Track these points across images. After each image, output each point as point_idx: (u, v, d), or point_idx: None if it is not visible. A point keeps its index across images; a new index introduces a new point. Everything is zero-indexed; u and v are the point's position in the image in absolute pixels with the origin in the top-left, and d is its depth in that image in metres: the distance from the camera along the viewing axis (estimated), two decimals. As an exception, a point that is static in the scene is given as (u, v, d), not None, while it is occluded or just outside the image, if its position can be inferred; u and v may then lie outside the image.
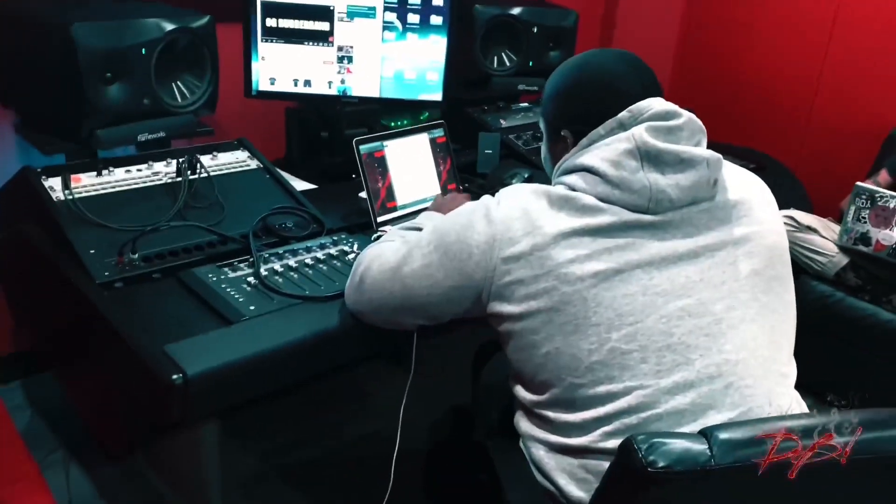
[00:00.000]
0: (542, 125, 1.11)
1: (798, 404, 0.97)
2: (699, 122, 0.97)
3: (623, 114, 0.93)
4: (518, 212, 0.91)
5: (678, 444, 0.68)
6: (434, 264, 0.96)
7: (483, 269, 0.91)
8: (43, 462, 1.58)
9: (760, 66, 2.87)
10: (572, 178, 0.93)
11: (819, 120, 2.77)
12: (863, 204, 1.99)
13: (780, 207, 2.15)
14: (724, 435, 0.68)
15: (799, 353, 1.80)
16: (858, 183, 2.01)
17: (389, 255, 1.02)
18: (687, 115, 0.96)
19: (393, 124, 1.87)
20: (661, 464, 0.65)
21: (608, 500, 0.80)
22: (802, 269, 2.14)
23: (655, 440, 0.67)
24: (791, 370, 1.01)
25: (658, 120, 0.93)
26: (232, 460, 1.37)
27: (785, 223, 2.04)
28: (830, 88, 2.71)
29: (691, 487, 0.70)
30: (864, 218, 2.01)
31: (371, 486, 1.25)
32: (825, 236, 2.12)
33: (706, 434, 0.69)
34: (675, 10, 3.11)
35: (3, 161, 1.51)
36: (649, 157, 0.90)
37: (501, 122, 2.14)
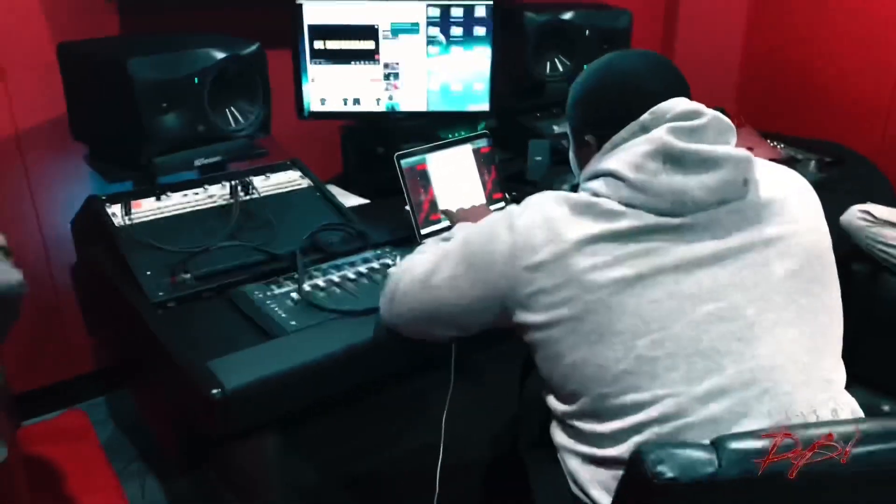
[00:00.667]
0: (568, 131, 1.11)
1: (850, 411, 0.93)
2: (726, 120, 0.95)
3: (645, 116, 0.92)
4: (540, 220, 0.91)
5: (686, 455, 0.68)
6: (460, 275, 0.97)
7: (506, 279, 0.91)
8: (122, 473, 1.70)
9: (834, 55, 2.76)
10: (596, 184, 0.93)
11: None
12: None
13: (861, 201, 2.07)
14: (733, 445, 0.68)
15: (879, 354, 1.69)
16: None
17: (419, 268, 1.03)
18: (712, 114, 0.94)
19: (450, 136, 1.89)
20: (667, 475, 0.65)
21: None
22: (882, 267, 2.02)
23: (664, 450, 0.68)
24: (838, 376, 0.97)
25: (681, 120, 0.91)
26: (294, 470, 1.42)
27: (860, 218, 1.95)
28: None
29: (700, 500, 0.70)
30: None
31: (420, 499, 1.27)
32: None
33: (716, 444, 0.69)
34: (740, 1, 3.01)
35: (78, 191, 1.62)
36: (671, 159, 0.88)
37: (554, 128, 2.12)
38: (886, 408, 1.97)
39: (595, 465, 0.93)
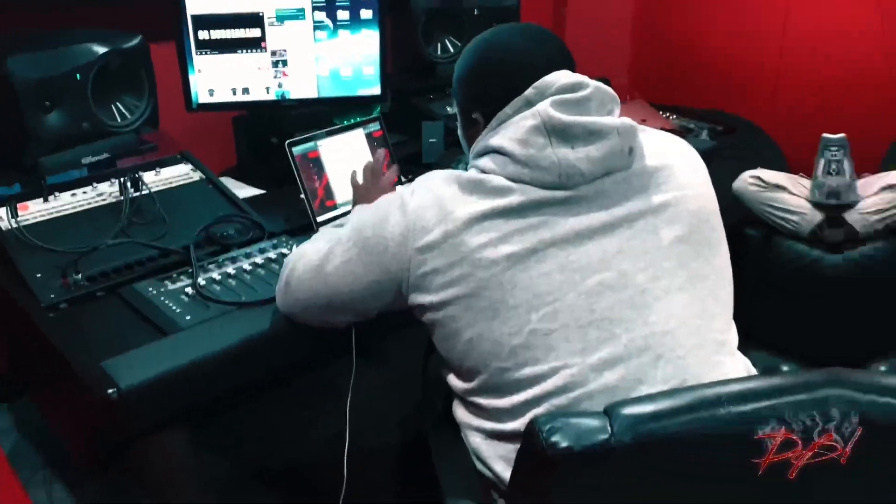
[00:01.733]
0: (456, 110, 1.11)
1: (745, 370, 0.97)
2: (610, 91, 0.97)
3: (529, 91, 0.93)
4: (430, 200, 0.92)
5: (579, 423, 0.68)
6: (353, 260, 0.98)
7: (399, 261, 0.92)
8: (28, 482, 1.65)
9: (721, 27, 2.86)
10: (483, 161, 0.94)
11: (788, 76, 2.75)
12: (832, 156, 2.00)
13: (753, 168, 2.16)
14: (626, 411, 0.68)
15: (776, 316, 1.83)
16: (825, 135, 2.01)
17: (312, 255, 1.04)
18: (594, 85, 0.96)
19: (343, 122, 1.91)
20: (561, 444, 0.65)
21: (521, 485, 0.80)
22: (775, 230, 2.13)
23: (557, 420, 0.67)
24: (730, 337, 1.00)
25: (564, 93, 0.92)
26: (205, 465, 1.43)
27: (751, 183, 2.04)
28: (796, 42, 2.68)
29: (596, 467, 0.69)
30: (833, 170, 2.00)
31: (330, 487, 1.30)
32: (796, 193, 2.10)
33: (609, 411, 0.69)
34: None
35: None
36: (556, 132, 0.90)
37: (447, 109, 2.17)
38: (785, 368, 2.09)
39: (497, 440, 0.94)
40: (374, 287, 0.97)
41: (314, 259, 1.03)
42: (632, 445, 0.65)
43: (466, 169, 1.01)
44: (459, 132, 1.13)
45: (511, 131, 0.91)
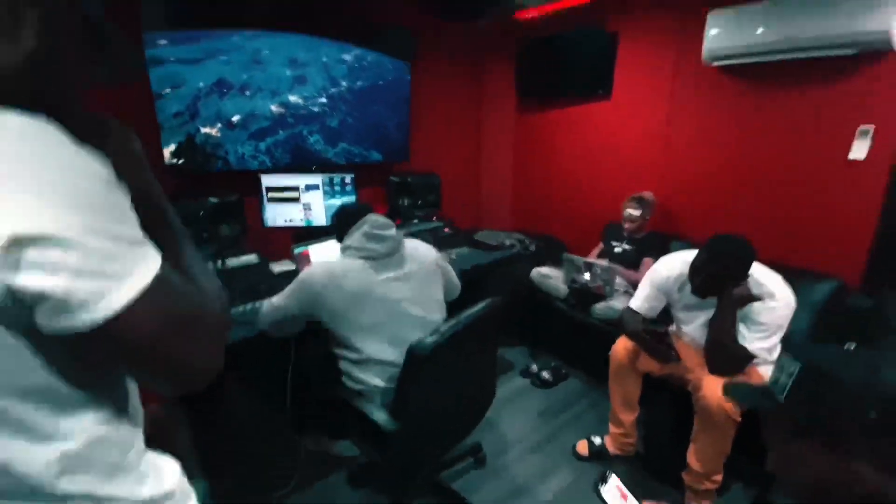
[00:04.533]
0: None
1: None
2: (390, 220, 1.48)
3: (361, 221, 1.47)
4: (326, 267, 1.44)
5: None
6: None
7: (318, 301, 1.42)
8: None
9: (556, 184, 3.45)
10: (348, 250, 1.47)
11: (580, 213, 3.26)
12: (570, 265, 2.60)
13: (550, 261, 2.79)
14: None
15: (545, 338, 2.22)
16: (564, 254, 2.61)
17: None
18: (386, 219, 1.49)
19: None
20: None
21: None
22: (550, 296, 2.69)
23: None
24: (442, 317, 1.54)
25: (374, 222, 1.47)
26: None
27: (534, 276, 2.69)
28: (584, 199, 3.19)
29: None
30: (572, 272, 2.54)
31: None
32: (557, 279, 2.68)
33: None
34: (509, 158, 3.73)
35: None
36: (371, 237, 1.44)
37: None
38: (535, 367, 2.63)
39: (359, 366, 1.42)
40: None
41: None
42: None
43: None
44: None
45: (356, 236, 1.45)
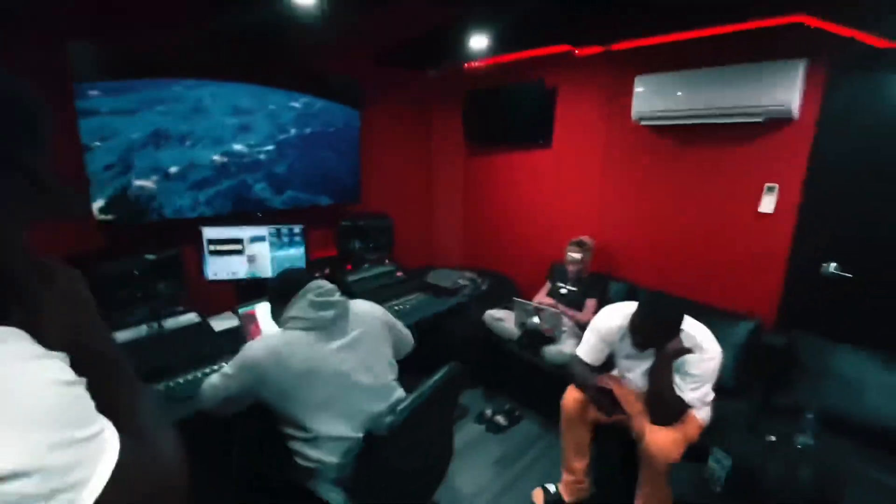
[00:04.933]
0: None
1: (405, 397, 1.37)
2: (335, 286, 1.42)
3: (302, 290, 1.39)
4: (266, 344, 1.33)
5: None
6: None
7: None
8: None
9: (504, 225, 3.53)
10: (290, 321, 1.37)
11: (527, 252, 3.35)
12: (520, 309, 2.65)
13: (498, 303, 2.82)
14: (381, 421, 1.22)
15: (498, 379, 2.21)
16: (515, 298, 2.64)
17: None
18: (329, 285, 1.42)
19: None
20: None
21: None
22: (502, 339, 2.71)
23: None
24: (394, 380, 1.48)
25: (317, 289, 1.40)
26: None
27: (487, 319, 2.69)
28: (530, 239, 3.32)
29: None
30: (522, 315, 2.57)
31: None
32: (509, 322, 2.70)
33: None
34: (459, 198, 3.80)
35: None
36: (315, 305, 1.36)
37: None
38: (489, 411, 2.62)
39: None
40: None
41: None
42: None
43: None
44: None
45: (299, 308, 1.37)
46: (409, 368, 1.68)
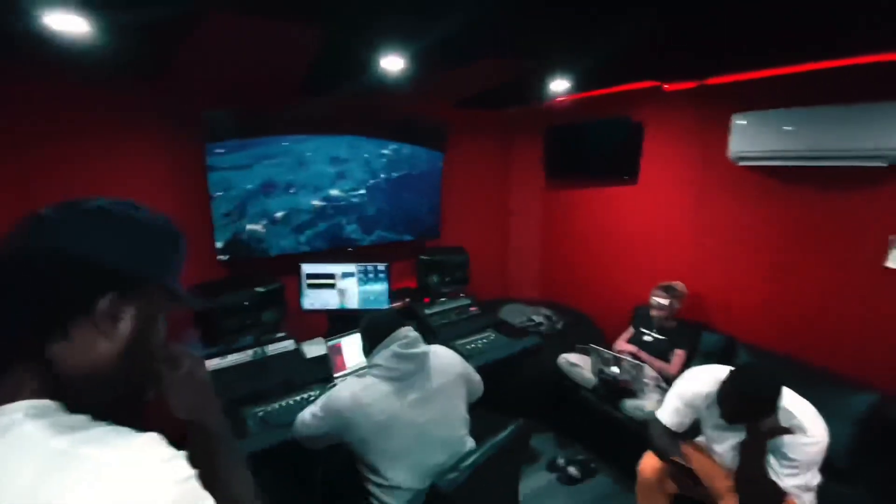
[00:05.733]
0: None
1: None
2: (419, 335, 1.46)
3: (389, 338, 1.44)
4: (354, 389, 1.40)
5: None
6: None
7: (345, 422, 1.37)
8: None
9: (584, 261, 3.40)
10: (374, 369, 1.43)
11: (608, 291, 3.20)
12: (597, 357, 2.53)
13: (579, 344, 2.71)
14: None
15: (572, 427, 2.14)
16: (591, 345, 2.51)
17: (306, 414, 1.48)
18: (415, 334, 1.45)
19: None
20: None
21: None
22: (577, 385, 2.61)
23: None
24: (467, 435, 1.50)
25: (403, 339, 1.43)
26: None
27: (562, 363, 2.61)
28: (612, 278, 3.18)
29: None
30: (599, 363, 2.45)
31: None
32: (585, 369, 2.58)
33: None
34: (537, 232, 3.75)
35: None
36: (400, 357, 1.41)
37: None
38: (561, 460, 2.50)
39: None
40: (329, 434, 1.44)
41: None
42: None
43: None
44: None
45: (382, 355, 1.43)
46: (479, 407, 1.68)
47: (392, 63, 1.95)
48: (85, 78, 1.97)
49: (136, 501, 0.46)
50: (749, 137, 2.30)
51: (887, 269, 2.03)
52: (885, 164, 1.92)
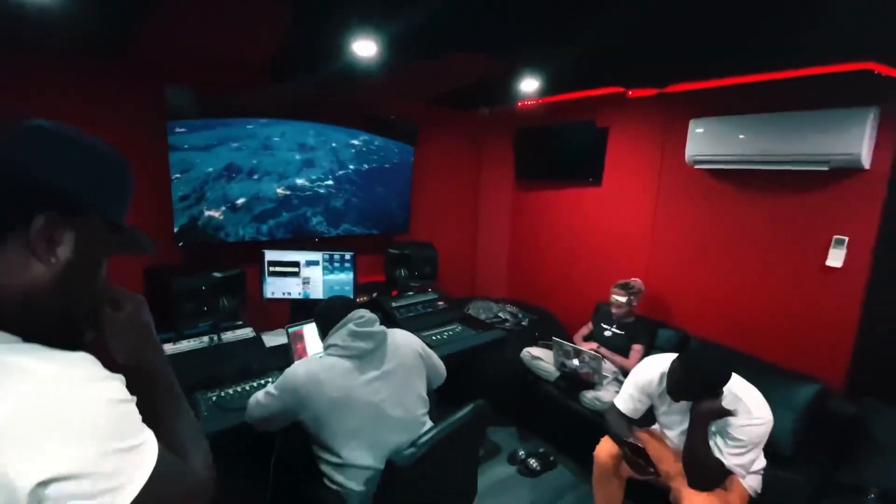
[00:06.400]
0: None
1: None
2: (375, 315, 1.45)
3: (345, 318, 1.44)
4: (307, 368, 1.37)
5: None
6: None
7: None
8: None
9: (550, 260, 3.43)
10: (330, 348, 1.41)
11: (572, 289, 3.25)
12: (559, 350, 2.56)
13: (538, 340, 2.74)
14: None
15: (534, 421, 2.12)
16: (554, 338, 2.55)
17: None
18: (371, 315, 1.44)
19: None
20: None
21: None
22: (539, 378, 2.63)
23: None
24: (425, 414, 1.48)
25: (359, 318, 1.43)
26: None
27: (525, 356, 2.62)
28: (576, 277, 3.23)
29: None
30: (561, 356, 2.49)
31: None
32: (548, 362, 2.62)
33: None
34: (505, 231, 3.77)
35: None
36: (354, 335, 1.40)
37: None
38: (522, 452, 2.51)
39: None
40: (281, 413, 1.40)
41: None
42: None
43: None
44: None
45: (338, 335, 1.41)
46: (442, 400, 1.67)
47: (363, 48, 1.94)
48: (42, 51, 1.87)
49: (68, 418, 0.44)
50: (704, 142, 2.40)
51: (828, 267, 2.14)
52: (826, 168, 2.04)
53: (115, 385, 0.50)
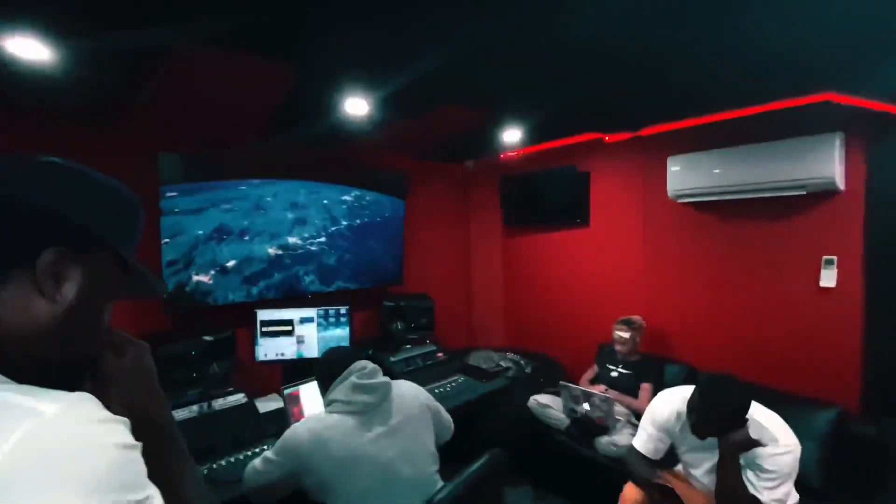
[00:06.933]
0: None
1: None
2: (378, 366, 1.37)
3: (346, 371, 1.36)
4: (309, 428, 1.28)
5: None
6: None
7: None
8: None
9: (546, 304, 3.40)
10: (332, 405, 1.32)
11: (572, 332, 3.19)
12: (567, 395, 2.46)
13: (548, 386, 2.62)
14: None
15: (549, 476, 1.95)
16: (561, 382, 2.46)
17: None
18: (372, 365, 1.36)
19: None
20: None
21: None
22: (550, 427, 2.51)
23: None
24: (437, 471, 1.37)
25: (361, 369, 1.35)
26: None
27: (532, 405, 2.52)
28: (574, 319, 3.19)
29: None
30: (570, 402, 2.38)
31: None
32: (557, 409, 2.51)
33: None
34: (498, 279, 3.76)
35: None
36: (357, 388, 1.32)
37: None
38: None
39: None
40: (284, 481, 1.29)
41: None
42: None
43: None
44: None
45: (341, 390, 1.33)
46: (450, 458, 1.56)
47: (355, 106, 2.01)
48: (39, 118, 1.89)
49: (72, 463, 0.40)
50: (683, 177, 2.50)
51: (823, 288, 2.16)
52: (804, 192, 2.12)
53: (121, 428, 0.46)
